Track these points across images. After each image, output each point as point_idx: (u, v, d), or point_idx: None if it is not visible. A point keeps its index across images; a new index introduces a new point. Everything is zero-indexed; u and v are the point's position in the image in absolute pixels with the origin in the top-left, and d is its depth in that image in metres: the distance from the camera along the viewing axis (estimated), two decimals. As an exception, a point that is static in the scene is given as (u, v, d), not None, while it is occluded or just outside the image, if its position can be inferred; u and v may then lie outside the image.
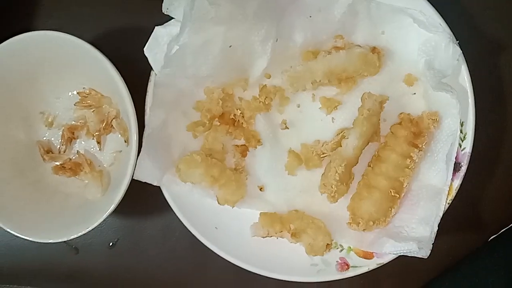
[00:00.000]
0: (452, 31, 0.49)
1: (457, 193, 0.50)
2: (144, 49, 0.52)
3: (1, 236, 0.63)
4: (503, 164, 0.57)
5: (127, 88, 0.51)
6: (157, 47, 0.51)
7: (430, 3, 0.50)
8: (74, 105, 0.60)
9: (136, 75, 0.53)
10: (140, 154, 0.52)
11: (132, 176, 0.52)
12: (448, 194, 0.50)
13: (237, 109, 0.55)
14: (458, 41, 0.49)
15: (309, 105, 0.55)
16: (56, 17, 0.61)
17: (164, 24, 0.51)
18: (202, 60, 0.50)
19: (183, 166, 0.53)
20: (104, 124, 0.59)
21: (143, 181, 0.53)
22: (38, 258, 0.63)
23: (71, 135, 0.60)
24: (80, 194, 0.59)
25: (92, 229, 0.53)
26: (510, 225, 0.56)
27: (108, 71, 0.52)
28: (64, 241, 0.54)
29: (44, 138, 0.61)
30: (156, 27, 0.51)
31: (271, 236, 0.54)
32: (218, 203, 0.54)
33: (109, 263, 0.62)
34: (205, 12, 0.46)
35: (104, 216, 0.52)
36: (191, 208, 0.55)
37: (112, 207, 0.52)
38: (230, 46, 0.51)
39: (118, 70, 0.52)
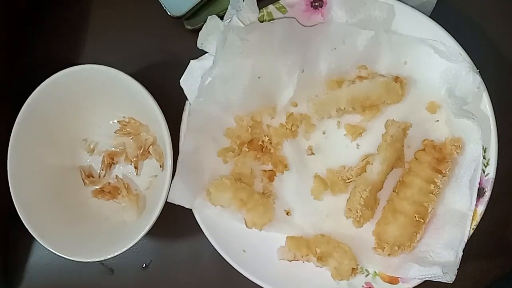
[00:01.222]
0: (473, 60, 0.51)
1: (482, 219, 0.51)
2: (180, 81, 0.56)
3: (40, 256, 0.67)
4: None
5: (163, 117, 0.55)
6: (192, 79, 0.55)
7: (451, 32, 0.52)
8: (115, 132, 0.64)
9: (172, 105, 0.57)
10: (174, 178, 0.55)
11: (166, 199, 0.55)
12: (473, 219, 0.50)
13: (265, 136, 0.58)
14: (479, 70, 0.51)
15: (335, 132, 0.57)
16: (100, 52, 0.66)
17: (199, 58, 0.55)
18: (232, 90, 0.54)
19: (214, 190, 0.55)
20: (142, 150, 0.63)
21: (177, 203, 0.56)
22: (75, 277, 0.66)
23: (110, 160, 0.65)
24: (117, 216, 0.62)
25: (127, 250, 0.55)
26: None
27: (147, 101, 0.56)
28: (100, 261, 0.57)
29: (86, 164, 0.65)
30: (191, 61, 0.55)
31: (297, 260, 0.55)
32: (246, 226, 0.56)
33: (142, 283, 0.65)
34: (236, 46, 0.50)
35: (139, 237, 0.55)
36: (221, 231, 0.57)
37: (147, 229, 0.55)
38: (259, 77, 0.54)
39: (156, 101, 0.56)
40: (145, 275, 0.65)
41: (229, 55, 0.50)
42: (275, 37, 0.52)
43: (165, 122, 0.55)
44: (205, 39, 0.54)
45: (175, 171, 0.55)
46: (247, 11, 0.52)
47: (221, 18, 0.54)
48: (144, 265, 0.65)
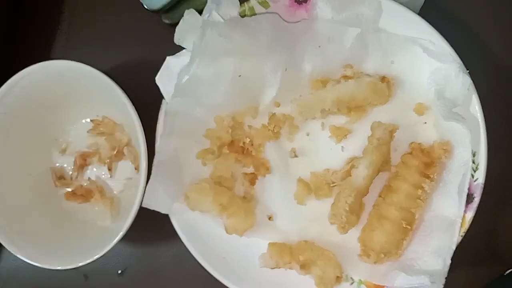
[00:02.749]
0: (462, 60, 0.49)
1: (471, 225, 0.49)
2: (156, 78, 0.53)
3: (10, 262, 0.63)
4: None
5: (137, 116, 0.52)
6: (168, 77, 0.52)
7: (440, 32, 0.50)
8: (87, 132, 0.61)
9: (149, 104, 0.54)
10: (149, 181, 0.52)
11: (141, 204, 0.52)
12: (461, 226, 0.49)
13: (246, 137, 0.55)
14: (468, 70, 0.49)
15: (319, 134, 0.55)
16: (73, 48, 0.63)
17: (176, 54, 0.52)
18: (212, 89, 0.51)
19: (192, 194, 0.53)
20: (116, 151, 0.60)
21: (152, 209, 0.53)
22: (46, 283, 0.63)
23: (83, 162, 0.61)
24: (91, 221, 0.60)
25: (101, 256, 0.53)
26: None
27: (121, 99, 0.53)
28: (73, 268, 0.54)
29: (58, 165, 0.62)
30: (167, 57, 0.52)
31: (280, 267, 0.53)
32: (227, 232, 0.54)
33: (117, 291, 0.62)
34: (215, 43, 0.47)
35: (113, 243, 0.52)
36: (200, 237, 0.54)
37: (120, 235, 0.52)
38: (240, 76, 0.51)
39: (131, 99, 0.53)
40: (120, 282, 0.62)
41: (207, 52, 0.48)
42: (258, 33, 0.49)
43: (140, 122, 0.52)
44: (182, 35, 0.51)
45: (151, 174, 0.52)
46: (228, 5, 0.49)
47: (200, 12, 0.51)
48: (120, 271, 0.62)
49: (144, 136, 0.52)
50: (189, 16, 0.49)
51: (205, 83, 0.50)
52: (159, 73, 0.53)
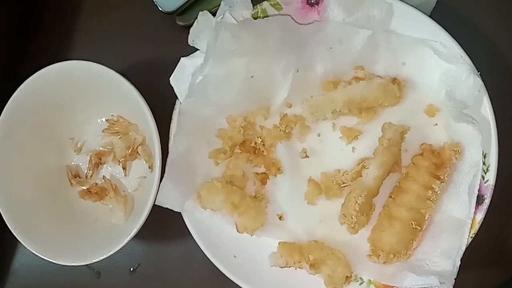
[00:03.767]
0: (473, 62, 0.49)
1: (481, 227, 0.49)
2: (170, 78, 0.54)
3: (24, 258, 0.64)
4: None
5: (152, 115, 0.53)
6: (182, 77, 0.53)
7: (451, 34, 0.50)
8: (102, 131, 0.62)
9: (163, 104, 0.55)
10: (163, 180, 0.53)
11: (155, 202, 0.53)
12: (471, 227, 0.49)
13: (258, 137, 0.56)
14: (479, 72, 0.49)
15: (330, 135, 0.55)
16: (89, 48, 0.64)
17: (190, 56, 0.53)
18: (224, 89, 0.52)
19: (204, 192, 0.53)
20: (130, 150, 0.61)
21: (165, 206, 0.54)
22: (60, 280, 0.64)
23: (98, 160, 0.62)
24: (105, 218, 0.60)
25: (114, 254, 0.53)
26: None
27: (135, 99, 0.54)
28: (87, 265, 0.55)
29: (73, 163, 0.63)
30: (181, 58, 0.53)
31: (289, 267, 0.53)
32: (237, 230, 0.54)
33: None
34: (228, 44, 0.48)
35: (126, 241, 0.53)
36: (211, 235, 0.55)
37: (134, 232, 0.53)
38: (252, 77, 0.52)
39: (146, 99, 0.54)
40: (133, 279, 0.63)
41: (220, 53, 0.48)
42: (270, 35, 0.50)
43: (154, 121, 0.53)
44: (196, 36, 0.51)
45: (165, 172, 0.53)
46: (241, 7, 0.50)
47: (214, 14, 0.52)
48: (132, 269, 0.63)
49: (158, 136, 0.53)
50: (203, 17, 0.50)
51: (217, 84, 0.51)
52: (173, 74, 0.54)
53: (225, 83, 0.51)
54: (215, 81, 0.51)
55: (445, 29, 0.50)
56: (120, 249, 0.53)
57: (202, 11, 0.53)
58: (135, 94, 0.54)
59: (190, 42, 0.53)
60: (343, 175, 0.54)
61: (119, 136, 0.61)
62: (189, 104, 0.53)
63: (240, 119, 0.55)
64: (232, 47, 0.48)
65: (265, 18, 0.51)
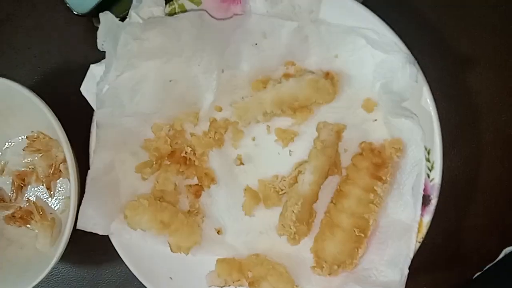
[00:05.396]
0: (409, 49, 0.45)
1: (429, 230, 0.45)
2: (81, 88, 0.48)
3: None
4: (480, 193, 0.51)
5: (64, 132, 0.48)
6: (94, 86, 0.48)
7: (384, 20, 0.45)
8: (23, 150, 0.57)
9: (82, 115, 0.50)
10: (83, 201, 0.48)
11: (75, 226, 0.48)
12: (419, 231, 0.44)
13: (188, 146, 0.51)
14: (417, 60, 0.44)
15: (265, 138, 0.51)
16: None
17: (100, 62, 0.48)
18: (139, 97, 0.47)
19: (129, 212, 0.49)
20: (53, 169, 0.55)
21: (88, 230, 0.49)
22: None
23: (21, 182, 0.57)
24: (31, 244, 0.55)
25: (48, 281, 0.51)
26: (495, 261, 0.49)
27: (46, 115, 0.49)
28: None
29: (-4, 187, 0.58)
30: (91, 65, 0.48)
31: (229, 286, 0.49)
32: (171, 250, 0.50)
33: (66, 316, 0.58)
34: (130, 47, 0.43)
35: (48, 268, 0.49)
36: (144, 257, 0.51)
37: (54, 261, 0.48)
38: (170, 81, 0.47)
39: (63, 111, 0.49)
40: (68, 306, 0.58)
41: (123, 57, 0.43)
42: (183, 33, 0.45)
43: (65, 136, 0.48)
44: (104, 39, 0.46)
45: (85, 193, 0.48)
46: (150, 4, 0.45)
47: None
48: (67, 296, 0.58)
49: (71, 153, 0.48)
50: (105, 18, 0.44)
51: (129, 91, 0.46)
52: (83, 83, 0.48)
53: (138, 90, 0.46)
54: (126, 88, 0.46)
55: (378, 15, 0.45)
56: (55, 275, 0.51)
57: (118, 11, 0.47)
58: (45, 109, 0.49)
59: (99, 46, 0.47)
60: (280, 181, 0.49)
61: (41, 154, 0.56)
62: (105, 115, 0.48)
63: (166, 127, 0.50)
64: (135, 50, 0.43)
65: (174, 15, 0.45)
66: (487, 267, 0.49)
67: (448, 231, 0.50)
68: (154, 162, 0.50)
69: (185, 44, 0.45)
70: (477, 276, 0.50)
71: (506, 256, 0.50)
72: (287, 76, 0.48)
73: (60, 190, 0.57)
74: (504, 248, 0.50)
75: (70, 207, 0.48)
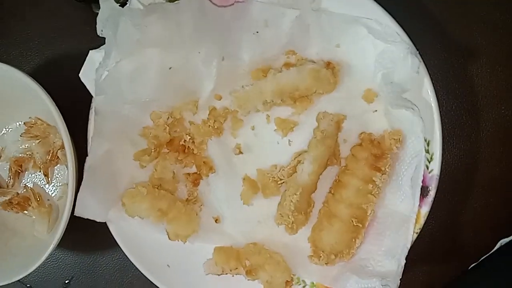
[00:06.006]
0: (411, 40, 0.44)
1: (427, 221, 0.45)
2: (80, 74, 0.48)
3: None
4: (478, 186, 0.51)
5: (62, 119, 0.48)
6: (93, 72, 0.47)
7: (386, 10, 0.45)
8: (20, 136, 0.56)
9: (82, 102, 0.49)
10: (81, 188, 0.48)
11: (73, 213, 0.48)
12: (416, 222, 0.45)
13: (187, 135, 0.51)
14: (418, 51, 0.44)
15: (264, 127, 0.50)
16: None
17: (99, 48, 0.47)
18: (138, 84, 0.46)
19: (127, 200, 0.49)
20: (50, 155, 0.55)
21: (86, 217, 0.49)
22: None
23: (18, 168, 0.57)
24: (28, 231, 0.55)
25: (46, 267, 0.51)
26: (490, 252, 0.49)
27: (44, 101, 0.48)
28: (18, 280, 0.51)
29: (-7, 173, 0.58)
30: (90, 51, 0.47)
31: (226, 274, 0.49)
32: (169, 238, 0.50)
33: (63, 302, 0.58)
34: (130, 34, 0.42)
35: (46, 254, 0.49)
36: (142, 244, 0.51)
37: (52, 247, 0.48)
38: (170, 68, 0.47)
39: (62, 98, 0.49)
40: (68, 292, 0.58)
41: (123, 44, 0.43)
42: (183, 21, 0.44)
43: (64, 124, 0.48)
44: (104, 25, 0.45)
45: (82, 180, 0.48)
46: (151, -10, 0.44)
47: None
48: (66, 281, 0.59)
49: (70, 140, 0.48)
50: (105, 4, 0.43)
51: (129, 78, 0.46)
52: (82, 69, 0.48)
53: (138, 77, 0.46)
54: (125, 75, 0.45)
55: (380, 4, 0.45)
56: (52, 262, 0.51)
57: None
58: (43, 96, 0.48)
59: (99, 32, 0.46)
60: (279, 171, 0.49)
61: (38, 140, 0.56)
62: (104, 102, 0.47)
63: (165, 115, 0.50)
64: (135, 37, 0.42)
65: (176, 2, 0.44)
66: (482, 258, 0.49)
67: (445, 222, 0.51)
68: (153, 150, 0.50)
69: (185, 31, 0.45)
70: (473, 266, 0.50)
71: (501, 247, 0.50)
72: (287, 65, 0.48)
73: (57, 177, 0.57)
74: (500, 239, 0.50)
75: (68, 194, 0.48)
